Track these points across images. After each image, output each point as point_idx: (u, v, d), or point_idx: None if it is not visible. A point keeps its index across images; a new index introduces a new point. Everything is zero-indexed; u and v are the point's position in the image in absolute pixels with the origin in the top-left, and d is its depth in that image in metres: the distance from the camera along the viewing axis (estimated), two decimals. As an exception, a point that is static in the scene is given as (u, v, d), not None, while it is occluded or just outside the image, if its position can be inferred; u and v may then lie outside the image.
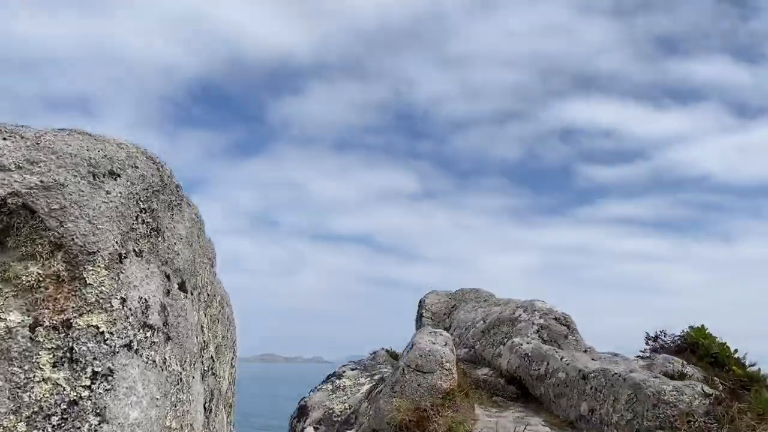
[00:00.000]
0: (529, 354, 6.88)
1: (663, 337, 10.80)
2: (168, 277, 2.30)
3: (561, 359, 6.20)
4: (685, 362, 8.10)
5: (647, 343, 10.89)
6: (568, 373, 5.91)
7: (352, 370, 10.85)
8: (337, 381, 10.34)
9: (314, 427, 9.60)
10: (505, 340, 7.70)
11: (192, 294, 2.51)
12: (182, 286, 2.41)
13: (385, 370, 10.76)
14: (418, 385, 6.39)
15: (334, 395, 9.91)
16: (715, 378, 6.55)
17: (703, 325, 10.59)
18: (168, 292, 2.28)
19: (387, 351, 13.71)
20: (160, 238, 2.29)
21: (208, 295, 2.83)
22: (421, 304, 11.31)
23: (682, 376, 6.48)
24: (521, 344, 7.15)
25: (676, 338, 10.82)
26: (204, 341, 2.72)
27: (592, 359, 6.11)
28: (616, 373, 5.26)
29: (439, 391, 6.34)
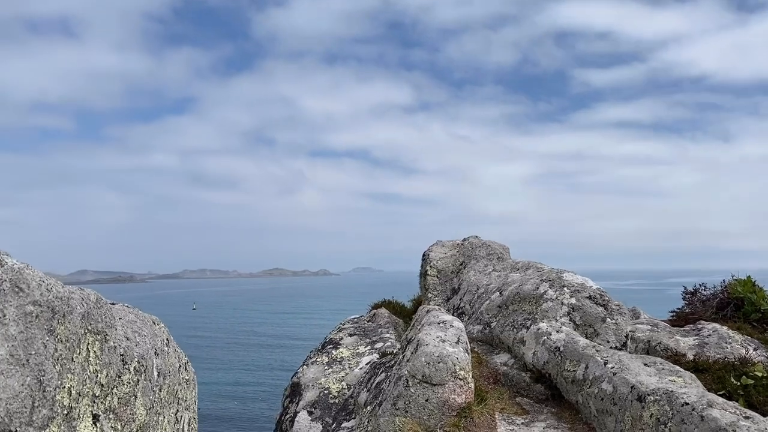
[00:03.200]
0: (561, 348, 5.58)
1: (703, 291, 9.53)
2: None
3: (605, 364, 4.91)
4: (745, 340, 6.83)
5: (684, 299, 9.63)
6: (616, 387, 4.64)
7: (350, 335, 9.67)
8: (334, 351, 9.18)
9: (309, 412, 8.51)
10: (528, 322, 6.39)
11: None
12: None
13: (388, 335, 9.59)
14: (426, 400, 5.14)
15: (330, 370, 8.75)
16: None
17: (749, 277, 9.28)
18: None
19: (390, 303, 12.54)
20: None
21: None
22: (425, 258, 9.98)
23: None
24: (550, 333, 5.83)
25: (717, 291, 9.55)
26: None
27: (645, 365, 4.81)
28: (686, 404, 3.97)
29: (452, 408, 5.10)
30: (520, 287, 6.89)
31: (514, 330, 6.49)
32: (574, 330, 6.07)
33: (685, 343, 6.56)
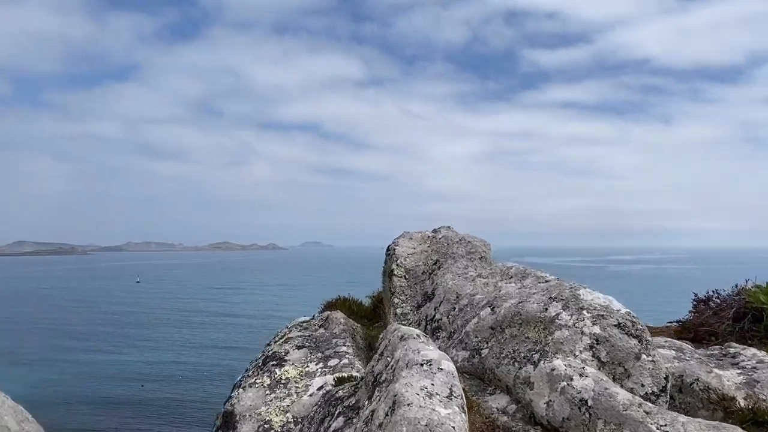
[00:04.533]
0: (590, 403, 4.05)
1: (716, 299, 8.19)
2: None
3: (662, 437, 3.40)
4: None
5: (695, 308, 8.28)
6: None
7: (299, 348, 7.96)
8: (278, 370, 7.47)
9: (242, 453, 6.81)
10: (535, 355, 4.82)
11: None
12: None
13: (344, 348, 7.93)
14: (409, 489, 3.54)
15: (272, 395, 7.06)
16: None
17: (769, 283, 7.98)
18: None
19: (345, 302, 10.87)
20: None
21: None
22: (391, 254, 8.32)
23: None
24: (571, 377, 4.29)
25: (730, 298, 8.23)
26: None
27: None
28: None
29: (446, 501, 3.53)
30: (520, 305, 5.30)
31: (516, 364, 4.91)
32: (599, 369, 4.53)
33: (729, 380, 5.14)
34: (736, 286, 8.04)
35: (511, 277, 6.24)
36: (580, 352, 4.62)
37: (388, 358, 4.98)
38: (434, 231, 9.16)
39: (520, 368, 4.85)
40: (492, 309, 5.61)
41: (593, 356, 4.60)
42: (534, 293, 5.37)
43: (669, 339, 6.29)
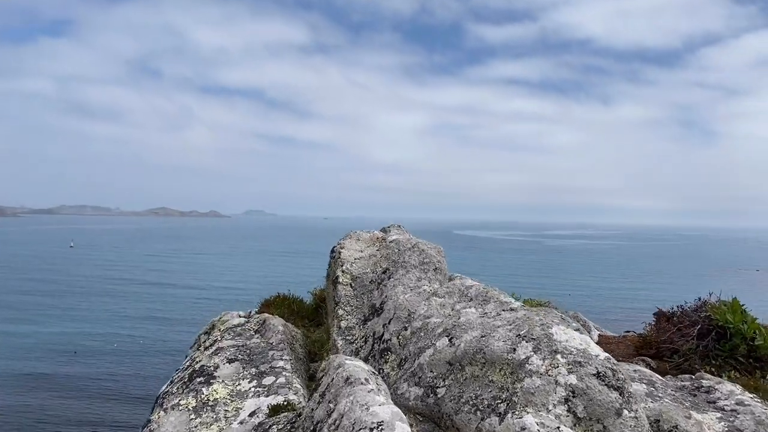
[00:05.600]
0: (569, 477, 3.45)
1: (679, 314, 7.78)
2: None
3: None
4: None
5: (658, 323, 7.85)
6: None
7: (230, 362, 7.15)
8: (205, 390, 6.64)
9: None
10: (501, 405, 4.18)
11: None
12: None
13: (281, 363, 7.16)
14: None
15: (197, 420, 6.25)
16: None
17: (735, 299, 7.60)
18: None
19: (285, 300, 10.05)
20: None
21: None
22: (336, 257, 7.54)
23: None
24: (545, 441, 3.67)
25: (693, 312, 7.84)
26: None
27: None
28: None
29: None
30: (483, 340, 4.64)
31: (478, 413, 4.26)
32: (574, 426, 3.93)
33: (710, 427, 4.64)
34: (700, 299, 7.66)
35: (471, 299, 5.58)
36: (554, 405, 4.00)
37: (330, 405, 4.25)
38: (383, 231, 8.43)
39: (483, 419, 4.20)
40: (450, 340, 4.93)
41: (569, 411, 3.99)
42: (499, 326, 4.72)
43: (638, 368, 5.79)
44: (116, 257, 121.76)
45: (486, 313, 5.13)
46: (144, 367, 39.88)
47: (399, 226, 8.42)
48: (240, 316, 9.40)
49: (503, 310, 5.04)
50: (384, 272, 6.89)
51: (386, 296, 6.46)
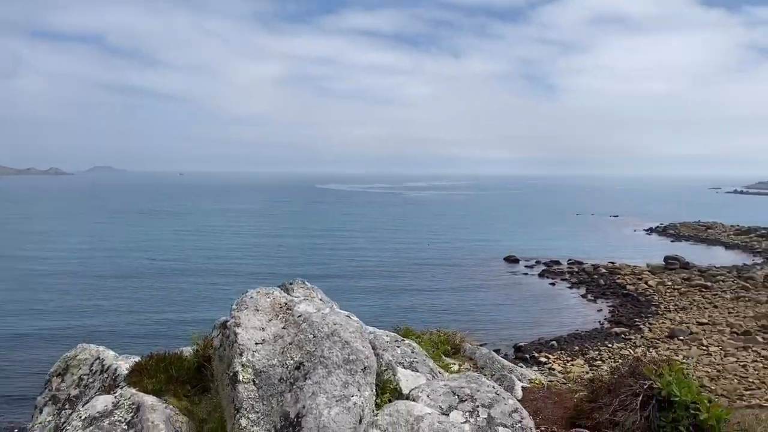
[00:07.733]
0: None
1: (616, 380, 7.20)
2: None
3: None
4: None
5: (593, 390, 7.23)
6: None
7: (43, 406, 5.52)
8: None
9: None
10: None
11: None
12: None
13: (96, 405, 5.69)
14: None
15: None
16: None
17: (679, 367, 7.13)
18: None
19: (163, 360, 8.35)
20: None
21: None
22: (231, 341, 6.00)
23: None
24: None
25: (631, 377, 7.29)
26: None
27: None
28: None
29: None
30: None
31: None
32: None
33: None
34: (630, 357, 7.14)
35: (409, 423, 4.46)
36: None
37: None
38: (285, 289, 7.05)
39: None
40: None
41: None
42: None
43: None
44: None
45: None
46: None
47: (303, 283, 7.09)
48: (105, 388, 7.74)
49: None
50: (297, 368, 5.57)
51: (305, 408, 5.18)
